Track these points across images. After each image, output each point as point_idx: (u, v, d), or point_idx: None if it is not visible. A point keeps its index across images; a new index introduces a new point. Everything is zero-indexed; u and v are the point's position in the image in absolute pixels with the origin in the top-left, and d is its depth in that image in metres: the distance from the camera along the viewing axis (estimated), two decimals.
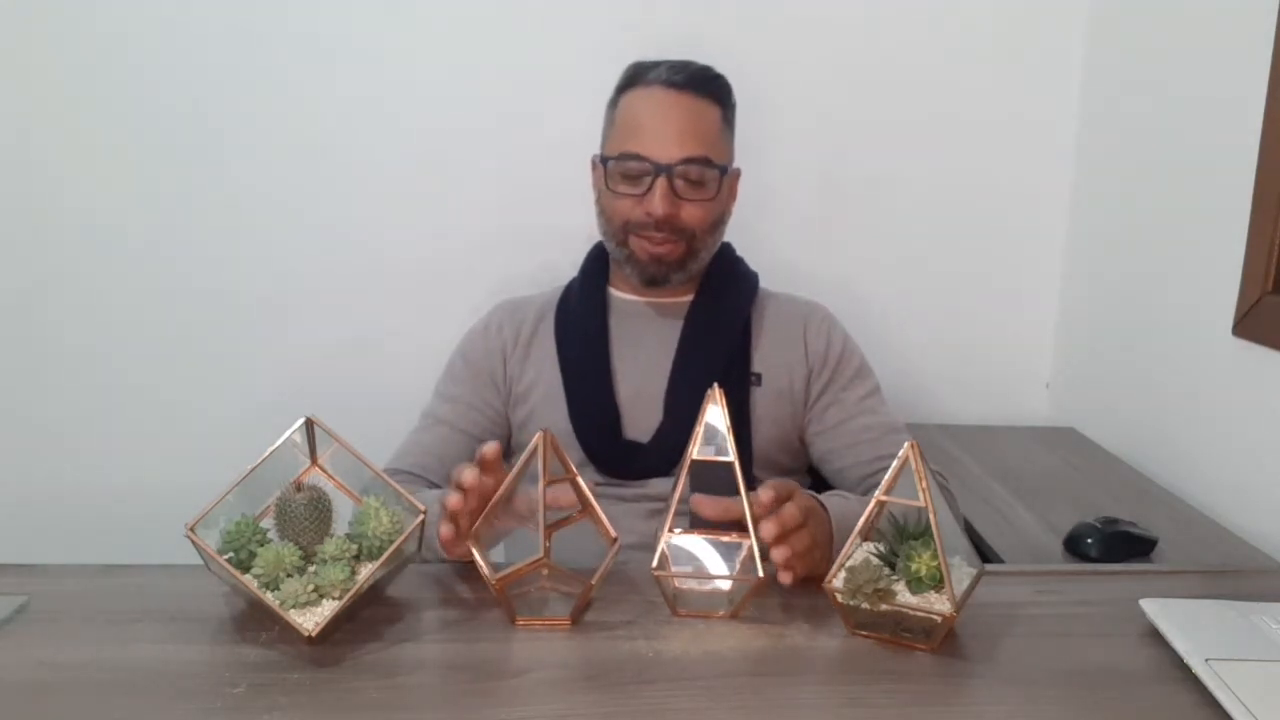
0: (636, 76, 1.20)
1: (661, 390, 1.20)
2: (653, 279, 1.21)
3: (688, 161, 1.14)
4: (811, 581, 0.90)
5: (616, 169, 1.18)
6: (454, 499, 0.88)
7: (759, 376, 1.22)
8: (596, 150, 1.25)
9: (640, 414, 1.20)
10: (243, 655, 0.82)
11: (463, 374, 1.27)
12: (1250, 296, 1.25)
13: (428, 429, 1.24)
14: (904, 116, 1.76)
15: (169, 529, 0.92)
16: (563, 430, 1.19)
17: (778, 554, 0.87)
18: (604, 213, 1.22)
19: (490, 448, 0.90)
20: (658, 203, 1.14)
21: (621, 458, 1.20)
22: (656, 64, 1.19)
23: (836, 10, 1.71)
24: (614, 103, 1.22)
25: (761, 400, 1.21)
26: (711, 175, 1.17)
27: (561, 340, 1.25)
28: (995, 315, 1.86)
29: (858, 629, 0.87)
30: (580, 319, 1.25)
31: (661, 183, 1.14)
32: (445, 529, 0.90)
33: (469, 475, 0.88)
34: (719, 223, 1.23)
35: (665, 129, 1.15)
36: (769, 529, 0.86)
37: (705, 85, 1.18)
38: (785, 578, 0.89)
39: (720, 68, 1.24)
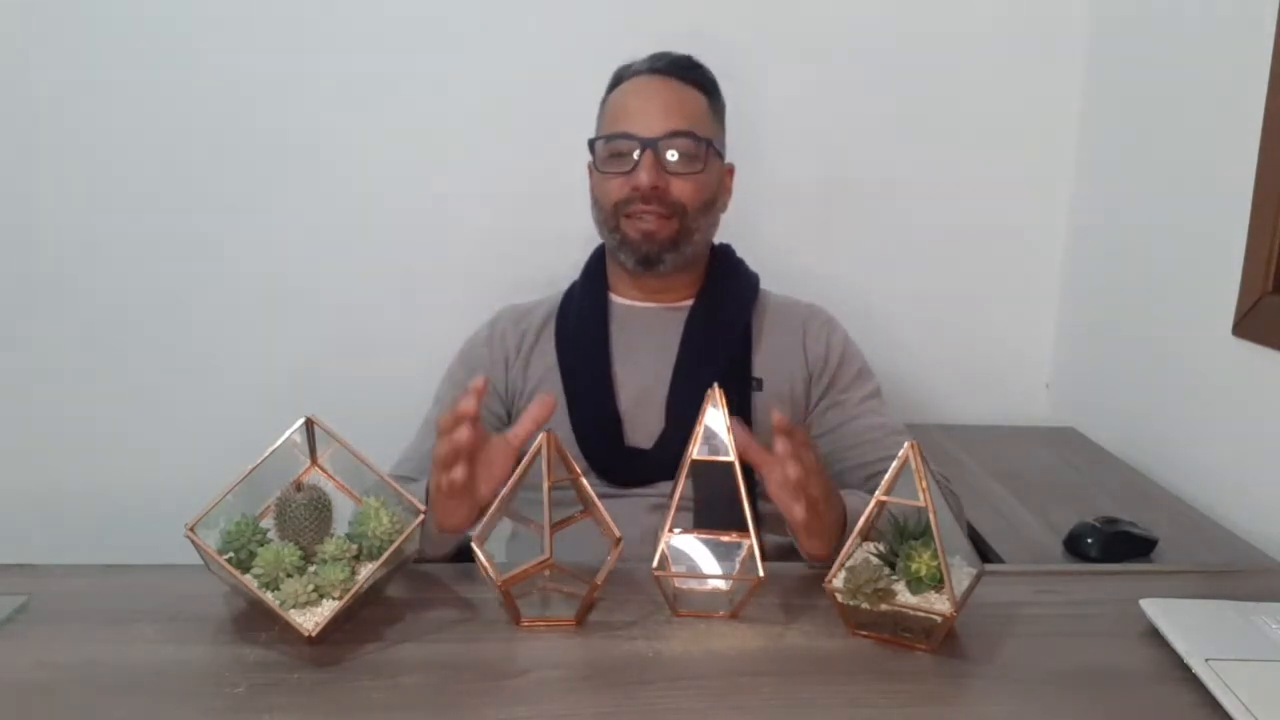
0: (621, 74, 1.26)
1: (663, 396, 1.20)
2: (646, 258, 1.20)
3: (672, 135, 1.17)
4: (812, 581, 0.90)
5: (605, 149, 1.21)
6: (469, 402, 0.90)
7: (760, 381, 1.22)
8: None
9: (642, 421, 1.20)
10: (243, 655, 0.82)
11: (465, 381, 1.26)
12: (1250, 297, 1.25)
13: (430, 436, 1.23)
14: (904, 117, 1.75)
15: (169, 529, 0.91)
16: (564, 438, 1.17)
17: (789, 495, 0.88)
18: (596, 201, 1.24)
19: (478, 380, 0.93)
20: (644, 174, 1.16)
21: (624, 465, 1.19)
22: (639, 60, 1.25)
23: (837, 11, 1.71)
24: (602, 101, 1.27)
25: (763, 405, 1.21)
26: (698, 149, 1.19)
27: (562, 348, 1.25)
28: (995, 315, 1.86)
29: (858, 629, 0.87)
30: (581, 326, 1.25)
31: (648, 156, 1.16)
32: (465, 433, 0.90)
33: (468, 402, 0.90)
34: (710, 204, 1.23)
35: (649, 107, 1.19)
36: (794, 469, 0.87)
37: (687, 72, 1.23)
38: (798, 511, 0.89)
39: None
